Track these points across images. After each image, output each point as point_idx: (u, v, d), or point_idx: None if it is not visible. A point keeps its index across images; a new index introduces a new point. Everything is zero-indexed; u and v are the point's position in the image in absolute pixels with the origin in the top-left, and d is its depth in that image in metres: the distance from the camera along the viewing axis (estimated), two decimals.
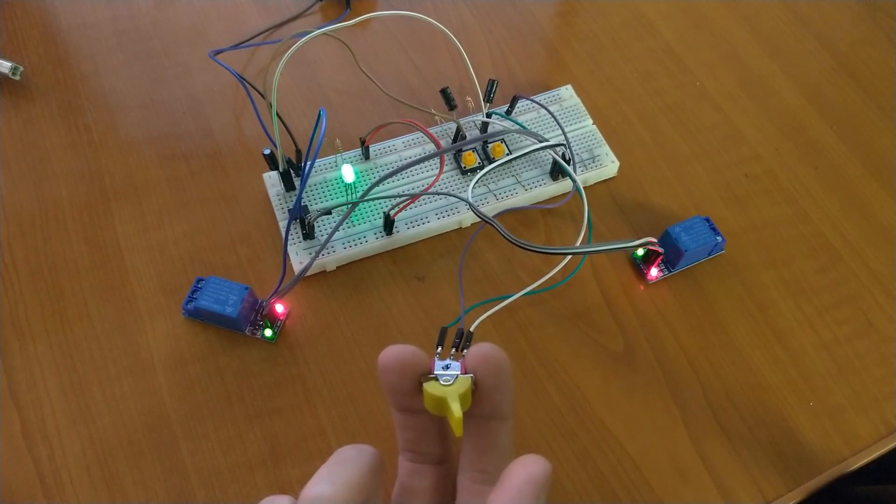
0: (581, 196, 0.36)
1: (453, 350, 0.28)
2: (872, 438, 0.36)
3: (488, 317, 0.34)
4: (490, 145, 0.42)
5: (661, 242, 0.39)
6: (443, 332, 0.30)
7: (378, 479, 0.23)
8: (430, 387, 0.23)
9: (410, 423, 0.25)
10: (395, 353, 0.24)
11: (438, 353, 0.25)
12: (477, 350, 0.24)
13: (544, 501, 0.20)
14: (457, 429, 0.22)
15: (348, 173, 0.39)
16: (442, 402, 0.23)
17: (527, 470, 0.20)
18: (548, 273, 0.36)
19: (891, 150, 0.46)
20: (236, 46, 0.47)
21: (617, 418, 0.36)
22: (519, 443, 0.27)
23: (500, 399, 0.24)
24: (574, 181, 0.36)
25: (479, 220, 0.36)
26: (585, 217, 0.35)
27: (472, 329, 0.32)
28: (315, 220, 0.38)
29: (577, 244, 0.36)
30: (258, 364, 0.36)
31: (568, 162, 0.40)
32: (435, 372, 0.24)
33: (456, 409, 0.22)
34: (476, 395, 0.24)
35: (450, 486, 0.26)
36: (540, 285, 0.36)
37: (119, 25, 0.48)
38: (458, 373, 0.24)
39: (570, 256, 0.37)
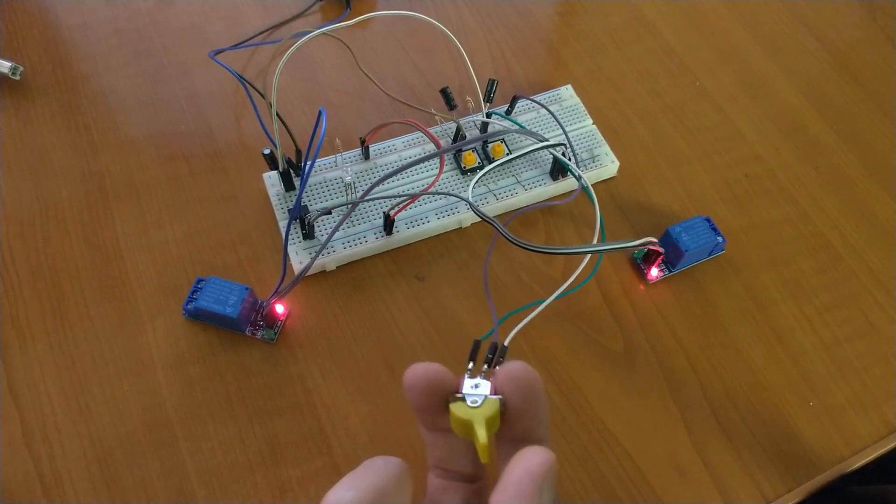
0: (591, 195, 0.36)
1: (485, 367, 0.27)
2: (872, 438, 0.36)
3: (515, 328, 0.32)
4: (490, 145, 0.42)
5: (662, 242, 0.39)
6: (476, 346, 0.27)
7: (404, 491, 0.22)
8: (456, 408, 0.22)
9: (440, 441, 0.24)
10: (421, 371, 0.22)
11: (469, 370, 0.24)
12: (506, 370, 0.22)
13: (551, 493, 0.19)
14: (483, 455, 0.21)
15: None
16: (468, 426, 0.21)
17: (525, 464, 0.19)
18: (558, 277, 0.35)
19: (891, 150, 0.46)
20: (236, 46, 0.47)
21: (617, 418, 0.36)
22: None
23: (532, 422, 0.22)
24: (579, 179, 0.35)
25: (481, 222, 0.36)
26: (597, 215, 0.35)
27: (506, 343, 0.29)
28: (315, 220, 0.38)
29: (594, 241, 0.35)
30: (258, 364, 0.36)
31: (569, 161, 0.40)
32: (463, 391, 0.22)
33: (482, 435, 0.21)
34: (506, 418, 0.22)
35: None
36: (566, 288, 0.33)
37: (119, 25, 0.48)
38: (487, 393, 0.22)
39: (587, 258, 0.37)
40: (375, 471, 0.21)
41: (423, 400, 0.23)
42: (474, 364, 0.26)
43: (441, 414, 0.23)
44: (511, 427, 0.23)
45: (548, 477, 0.19)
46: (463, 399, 0.22)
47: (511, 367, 0.22)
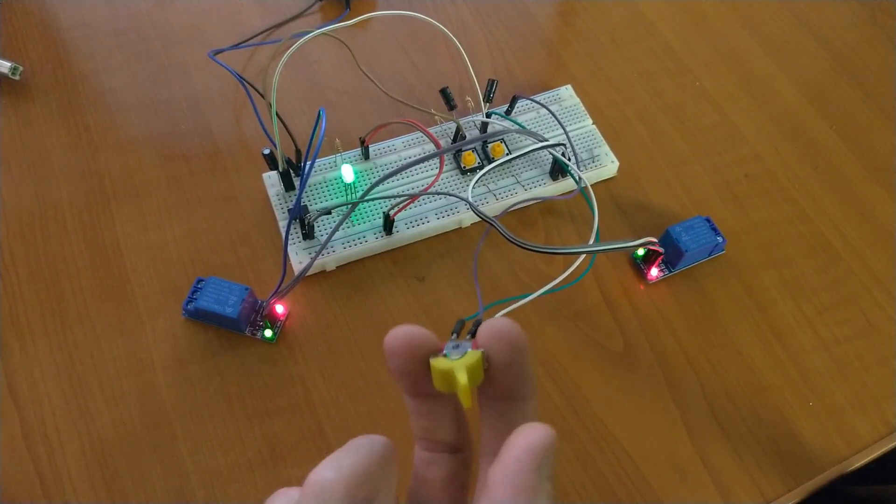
0: (589, 195, 0.36)
1: (469, 336, 0.27)
2: (872, 438, 0.36)
3: (497, 314, 0.33)
4: (490, 145, 0.42)
5: (662, 242, 0.39)
6: (460, 323, 0.29)
7: (388, 469, 0.22)
8: (437, 362, 0.22)
9: (423, 408, 0.25)
10: (402, 333, 0.23)
11: (453, 339, 0.25)
12: (488, 325, 0.22)
13: (549, 470, 0.19)
14: (464, 399, 0.21)
15: (348, 173, 0.39)
16: (449, 375, 0.22)
17: (525, 440, 0.19)
18: (555, 276, 0.36)
19: (891, 150, 0.46)
20: (236, 46, 0.47)
21: (617, 418, 0.36)
22: None
23: (516, 377, 0.23)
24: (578, 182, 0.36)
25: (481, 220, 0.36)
26: (595, 215, 0.35)
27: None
28: (315, 220, 0.38)
29: (591, 241, 0.36)
30: (258, 364, 0.36)
31: (569, 161, 0.40)
32: (445, 351, 0.23)
33: (462, 378, 0.21)
34: (489, 374, 0.23)
35: (467, 476, 0.25)
36: (555, 285, 0.35)
37: (119, 25, 0.48)
38: (469, 349, 0.23)
39: (581, 257, 0.37)
40: (359, 450, 0.21)
41: (404, 363, 0.23)
42: (458, 335, 0.27)
43: (422, 377, 0.23)
44: (495, 383, 0.23)
45: (547, 453, 0.19)
46: (445, 356, 0.22)
47: (494, 322, 0.22)
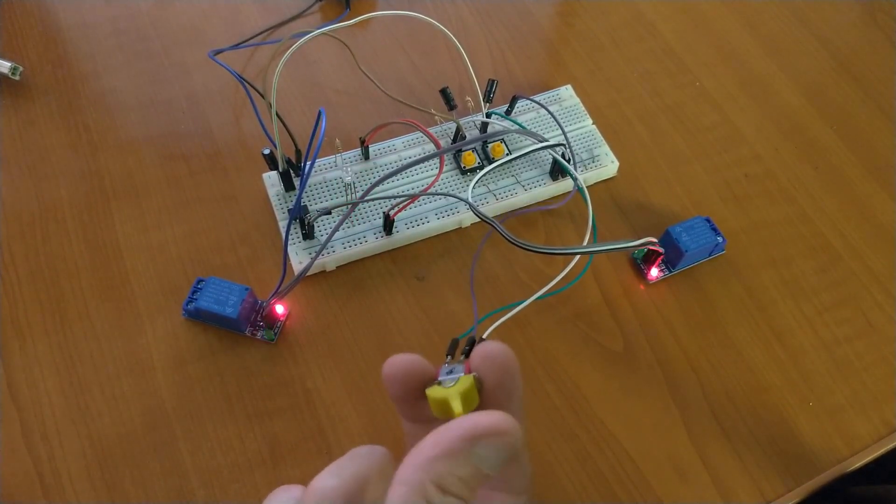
0: (584, 196, 0.36)
1: (462, 357, 0.28)
2: (872, 438, 0.36)
3: (494, 324, 0.33)
4: (490, 145, 0.42)
5: (662, 242, 0.39)
6: (454, 343, 0.29)
7: (386, 478, 0.23)
8: (432, 391, 0.23)
9: (420, 432, 0.25)
10: (398, 362, 0.24)
11: (448, 362, 0.25)
12: (480, 348, 0.23)
13: (493, 457, 0.19)
14: None
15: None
16: (444, 404, 0.22)
17: (471, 417, 0.19)
18: (555, 277, 0.36)
19: (891, 150, 0.46)
20: (236, 46, 0.47)
21: (617, 418, 0.36)
22: None
23: (506, 397, 0.23)
24: (576, 180, 0.36)
25: (481, 222, 0.36)
26: (590, 217, 0.35)
27: (484, 337, 0.31)
28: (315, 220, 0.38)
29: (585, 243, 0.36)
30: (258, 364, 0.36)
31: (568, 162, 0.40)
32: (439, 378, 0.24)
33: (457, 407, 0.22)
34: (483, 396, 0.23)
35: None
36: (550, 289, 0.35)
37: (119, 25, 0.48)
38: (462, 374, 0.23)
39: (577, 257, 0.37)
40: (359, 458, 0.22)
41: (402, 390, 0.24)
42: (452, 358, 0.27)
43: (420, 403, 0.24)
44: (488, 404, 0.23)
45: (488, 437, 0.19)
46: (439, 384, 0.23)
47: (486, 346, 0.23)
